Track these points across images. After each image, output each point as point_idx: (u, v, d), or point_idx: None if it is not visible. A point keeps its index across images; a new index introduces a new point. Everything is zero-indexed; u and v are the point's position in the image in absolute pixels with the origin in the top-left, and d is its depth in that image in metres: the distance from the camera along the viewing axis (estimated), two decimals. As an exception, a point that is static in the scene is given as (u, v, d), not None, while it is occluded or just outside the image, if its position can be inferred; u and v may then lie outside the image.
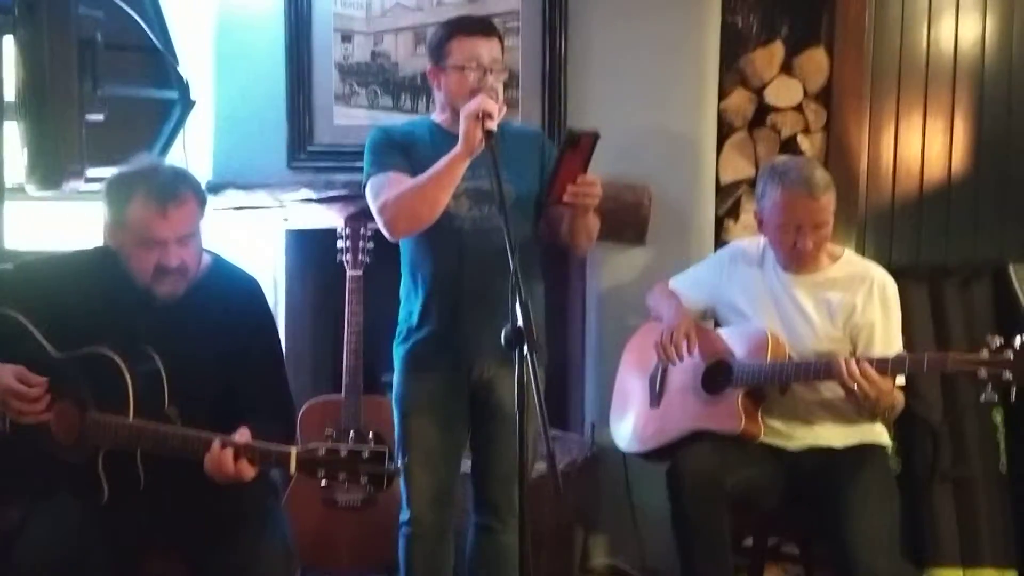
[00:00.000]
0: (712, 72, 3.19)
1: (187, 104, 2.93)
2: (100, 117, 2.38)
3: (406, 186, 2.27)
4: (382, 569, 2.84)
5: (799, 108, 3.26)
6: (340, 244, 2.96)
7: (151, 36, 2.79)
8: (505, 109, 2.23)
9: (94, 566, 2.00)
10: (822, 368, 2.42)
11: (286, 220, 3.19)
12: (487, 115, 2.14)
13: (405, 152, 2.36)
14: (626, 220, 3.08)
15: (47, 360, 2.09)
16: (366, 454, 1.88)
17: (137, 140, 2.74)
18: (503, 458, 2.39)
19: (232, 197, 3.14)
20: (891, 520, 2.41)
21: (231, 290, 2.27)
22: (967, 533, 3.02)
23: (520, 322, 1.77)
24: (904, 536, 2.66)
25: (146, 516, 2.08)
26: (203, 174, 3.12)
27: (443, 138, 2.35)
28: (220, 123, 3.22)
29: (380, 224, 2.33)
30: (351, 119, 3.23)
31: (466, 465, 2.52)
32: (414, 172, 2.30)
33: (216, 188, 3.09)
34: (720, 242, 3.20)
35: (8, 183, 2.40)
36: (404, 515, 2.44)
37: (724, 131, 3.26)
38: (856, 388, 2.35)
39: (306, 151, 3.23)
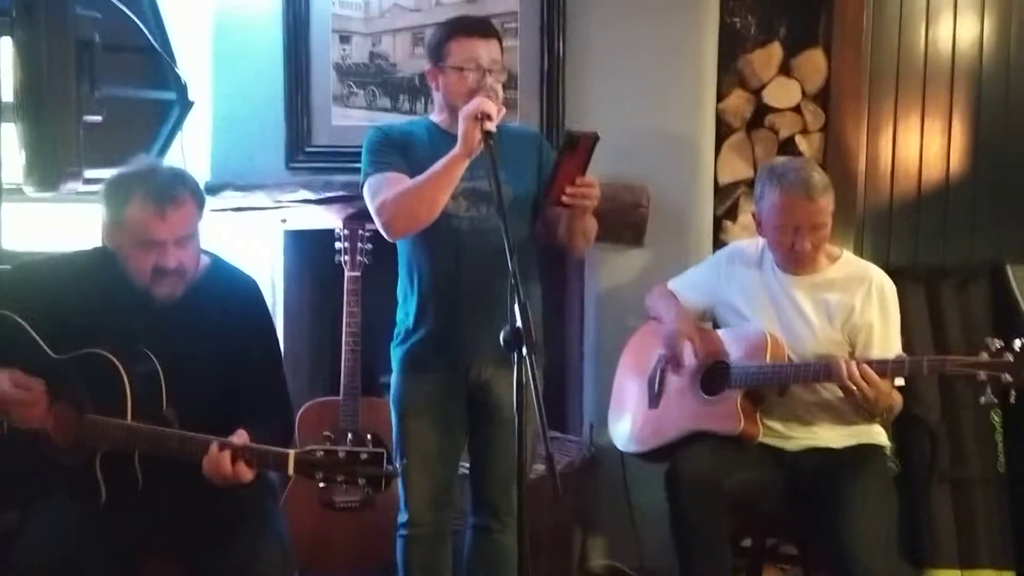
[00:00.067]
0: (710, 73, 3.19)
1: (185, 105, 2.92)
2: (98, 118, 2.37)
3: (404, 186, 2.27)
4: (380, 570, 2.84)
5: (797, 109, 3.27)
6: (338, 245, 2.96)
7: (149, 37, 2.79)
8: (504, 111, 2.23)
9: (92, 567, 1.99)
10: (821, 370, 2.42)
11: (284, 221, 3.19)
12: (486, 116, 2.14)
13: (403, 152, 2.36)
14: (624, 221, 3.08)
15: (45, 361, 2.09)
16: (364, 456, 1.88)
17: (135, 141, 2.73)
18: (501, 459, 2.39)
19: (230, 198, 3.13)
20: (889, 521, 2.41)
21: (230, 291, 2.27)
22: (965, 534, 3.02)
23: (519, 323, 1.77)
24: (902, 536, 2.67)
25: (144, 517, 2.08)
26: (201, 175, 3.11)
27: (441, 138, 2.35)
28: (218, 124, 3.22)
29: (378, 224, 2.32)
30: (349, 120, 3.22)
31: (464, 466, 2.52)
32: (412, 172, 2.30)
33: (214, 189, 3.08)
34: (718, 243, 3.20)
35: (6, 184, 2.39)
36: (402, 516, 2.44)
37: (722, 132, 3.27)
38: (855, 389, 2.35)
39: (304, 152, 3.23)
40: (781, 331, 2.55)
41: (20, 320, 2.11)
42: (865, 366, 2.34)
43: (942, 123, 3.29)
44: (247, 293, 2.31)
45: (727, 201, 3.30)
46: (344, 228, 2.95)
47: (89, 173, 2.36)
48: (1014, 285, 3.15)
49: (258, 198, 3.15)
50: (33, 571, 1.95)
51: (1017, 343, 2.24)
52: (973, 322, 3.17)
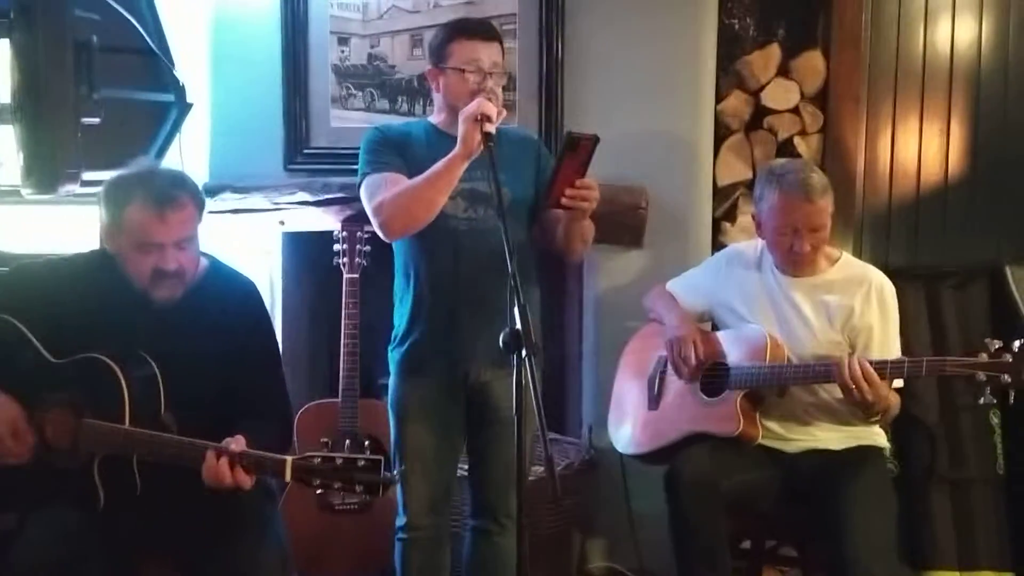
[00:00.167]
0: (709, 74, 3.19)
1: (183, 107, 2.92)
2: (96, 120, 2.36)
3: (402, 187, 2.26)
4: (379, 574, 2.83)
5: (796, 110, 3.27)
6: (337, 247, 2.96)
7: (147, 39, 2.78)
8: (505, 113, 2.23)
9: (90, 571, 1.99)
10: (821, 371, 2.42)
11: (282, 223, 3.18)
12: (486, 118, 2.14)
13: (401, 152, 2.35)
14: (623, 223, 3.08)
15: (43, 365, 2.08)
16: (362, 463, 1.87)
17: (133, 143, 2.73)
18: (500, 461, 2.39)
19: (228, 200, 3.13)
20: (888, 522, 2.41)
21: (228, 293, 2.27)
22: (964, 535, 3.02)
23: (519, 325, 1.76)
24: (901, 538, 2.66)
25: (142, 522, 2.07)
26: (199, 177, 3.11)
27: (440, 139, 2.34)
28: (216, 126, 3.22)
29: (374, 224, 2.31)
30: (347, 122, 3.22)
31: (463, 469, 2.51)
32: (410, 173, 2.29)
33: (212, 191, 3.08)
34: (717, 245, 3.20)
35: (3, 186, 2.39)
36: (400, 520, 2.43)
37: (721, 133, 3.27)
38: (855, 389, 2.35)
39: (302, 154, 3.22)
40: (781, 333, 2.55)
41: (18, 323, 2.10)
42: (866, 363, 2.34)
43: (941, 124, 3.29)
44: (246, 295, 2.31)
45: (726, 203, 3.30)
46: (342, 230, 2.95)
47: (87, 175, 2.36)
48: (1013, 286, 3.15)
49: (256, 200, 3.14)
50: (31, 573, 1.95)
51: (1016, 344, 2.24)
52: (972, 323, 3.17)
